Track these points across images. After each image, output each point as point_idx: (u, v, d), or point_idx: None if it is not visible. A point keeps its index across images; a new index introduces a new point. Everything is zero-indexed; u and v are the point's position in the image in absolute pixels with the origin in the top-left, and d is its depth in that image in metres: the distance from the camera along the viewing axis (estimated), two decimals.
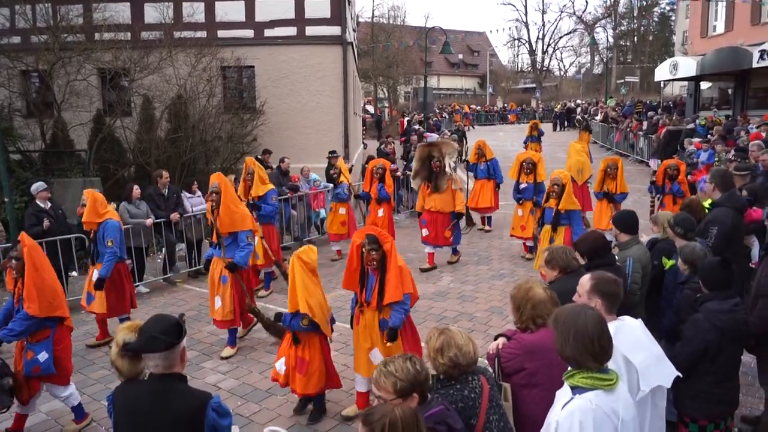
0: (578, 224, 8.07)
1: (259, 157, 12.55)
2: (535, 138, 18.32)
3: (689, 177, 12.17)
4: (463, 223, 10.25)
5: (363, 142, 26.03)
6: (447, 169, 9.49)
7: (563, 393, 2.70)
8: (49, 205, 8.72)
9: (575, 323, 2.60)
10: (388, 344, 5.01)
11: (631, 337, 3.27)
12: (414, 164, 9.99)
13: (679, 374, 3.41)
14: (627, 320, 3.42)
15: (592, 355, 2.55)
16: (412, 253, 10.67)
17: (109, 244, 7.02)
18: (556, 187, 8.12)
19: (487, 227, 12.62)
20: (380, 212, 10.16)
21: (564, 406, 2.59)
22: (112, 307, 7.23)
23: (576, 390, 2.59)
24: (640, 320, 3.48)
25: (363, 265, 5.08)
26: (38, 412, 5.69)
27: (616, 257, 4.90)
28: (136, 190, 9.37)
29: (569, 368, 2.68)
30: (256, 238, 7.91)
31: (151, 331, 2.81)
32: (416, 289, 5.29)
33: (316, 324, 5.05)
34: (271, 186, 8.96)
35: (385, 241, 4.98)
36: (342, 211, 10.70)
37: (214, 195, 6.85)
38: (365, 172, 10.81)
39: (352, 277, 5.21)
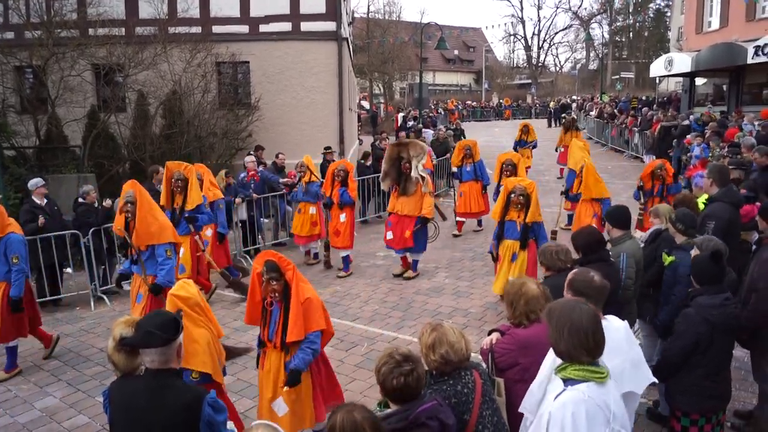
0: (544, 237, 7.30)
1: (251, 153, 12.54)
2: (525, 143, 16.30)
3: (684, 173, 12.15)
4: (431, 230, 9.42)
5: (358, 138, 26.02)
6: (413, 173, 8.81)
7: (554, 385, 2.70)
8: (45, 201, 8.68)
9: (570, 318, 2.59)
10: (285, 389, 4.25)
11: (610, 340, 3.23)
12: (383, 165, 9.29)
13: (655, 380, 3.42)
14: (611, 321, 3.41)
15: (587, 349, 2.55)
16: None
17: (15, 260, 6.22)
18: (521, 197, 7.14)
19: (477, 227, 12.16)
20: (342, 217, 9.50)
21: (556, 398, 2.60)
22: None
23: (568, 382, 2.59)
24: (625, 322, 3.46)
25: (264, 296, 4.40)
26: (32, 408, 5.70)
27: (610, 253, 4.91)
28: None
29: (560, 362, 2.69)
30: (182, 250, 7.38)
31: (148, 326, 2.83)
32: (330, 324, 4.52)
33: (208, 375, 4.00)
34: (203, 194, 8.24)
35: (287, 268, 4.30)
36: (312, 210, 9.95)
37: (129, 206, 6.11)
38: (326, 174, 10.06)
39: (255, 310, 4.51)
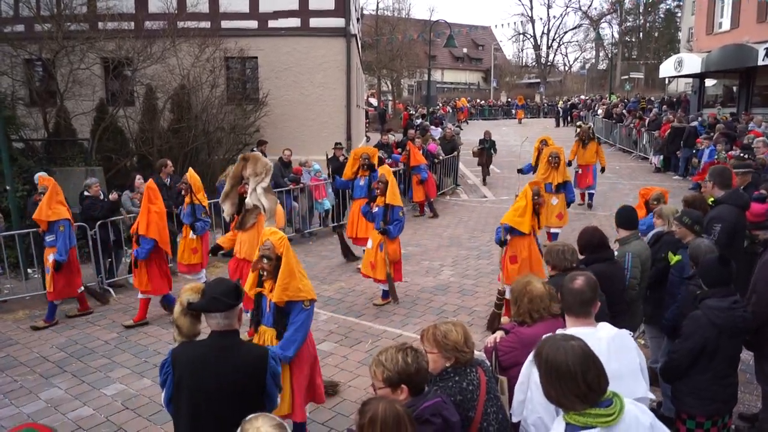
0: (300, 323, 4.22)
1: (254, 149, 12.56)
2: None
3: (691, 177, 12.03)
4: None
5: (366, 135, 26.02)
6: (248, 198, 6.72)
7: (557, 425, 2.36)
8: None
9: (555, 360, 2.26)
10: None
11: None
12: (226, 185, 7.11)
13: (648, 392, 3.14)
14: (599, 329, 3.07)
15: (579, 396, 2.21)
16: (412, 246, 10.69)
17: None
18: (265, 261, 4.31)
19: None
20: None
21: None
22: None
23: (569, 427, 2.27)
24: (614, 330, 3.06)
25: None
26: (37, 399, 5.73)
27: (616, 253, 4.90)
28: (138, 180, 9.40)
29: None
30: None
31: (214, 293, 3.14)
32: None
33: None
34: None
35: None
36: (193, 235, 8.36)
37: None
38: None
39: None
